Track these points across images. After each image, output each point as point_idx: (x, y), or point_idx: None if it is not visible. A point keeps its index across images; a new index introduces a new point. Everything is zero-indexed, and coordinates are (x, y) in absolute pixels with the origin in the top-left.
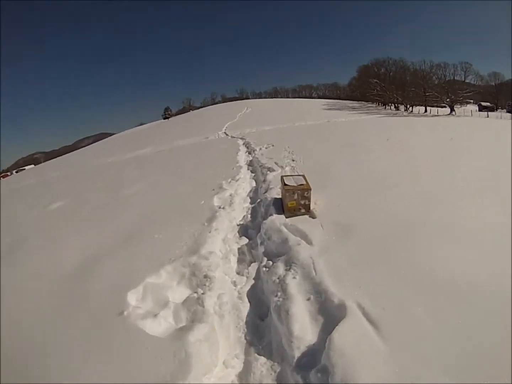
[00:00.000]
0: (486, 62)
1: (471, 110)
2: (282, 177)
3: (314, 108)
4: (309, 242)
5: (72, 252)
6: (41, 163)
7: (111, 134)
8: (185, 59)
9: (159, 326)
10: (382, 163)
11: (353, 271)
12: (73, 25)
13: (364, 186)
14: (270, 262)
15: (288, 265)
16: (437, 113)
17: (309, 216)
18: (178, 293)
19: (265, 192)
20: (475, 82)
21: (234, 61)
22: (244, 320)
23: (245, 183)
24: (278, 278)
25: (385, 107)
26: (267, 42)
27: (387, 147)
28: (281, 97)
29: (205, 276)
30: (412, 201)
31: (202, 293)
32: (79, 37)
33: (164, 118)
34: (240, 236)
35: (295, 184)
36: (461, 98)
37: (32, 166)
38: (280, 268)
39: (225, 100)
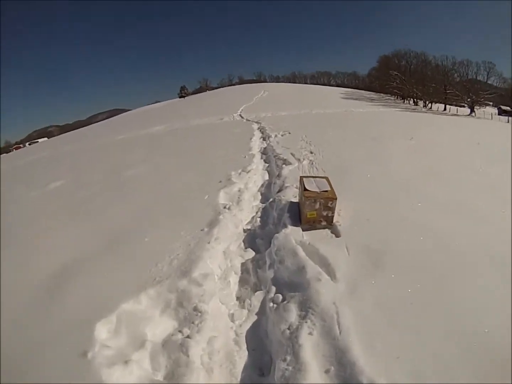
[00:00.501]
0: (509, 64)
1: (492, 113)
2: (301, 178)
3: (332, 96)
4: (332, 275)
5: (49, 257)
6: (54, 136)
7: (126, 111)
8: (204, 39)
9: (130, 375)
10: (409, 165)
11: (389, 330)
12: None
13: (394, 195)
14: (280, 296)
15: (304, 309)
16: (457, 112)
17: (331, 232)
18: (160, 328)
19: (279, 191)
20: (497, 84)
21: (253, 43)
22: (239, 378)
23: (257, 175)
24: (289, 329)
25: (404, 101)
26: (287, 24)
27: (411, 147)
28: (299, 83)
29: (195, 309)
30: (454, 218)
31: (188, 337)
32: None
33: (180, 97)
34: (246, 248)
35: (318, 190)
36: (482, 99)
37: (46, 139)
38: (293, 311)
39: (242, 82)
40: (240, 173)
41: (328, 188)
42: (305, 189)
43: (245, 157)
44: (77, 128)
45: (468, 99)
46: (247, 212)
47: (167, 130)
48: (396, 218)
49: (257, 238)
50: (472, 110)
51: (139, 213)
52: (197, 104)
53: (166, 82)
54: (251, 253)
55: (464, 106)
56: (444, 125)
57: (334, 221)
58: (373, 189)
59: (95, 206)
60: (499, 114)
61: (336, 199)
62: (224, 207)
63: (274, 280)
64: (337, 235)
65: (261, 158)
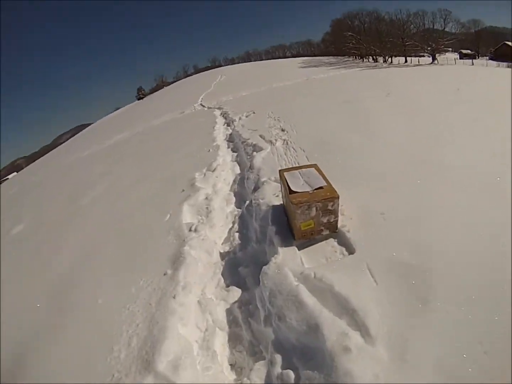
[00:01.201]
0: (465, 9)
1: (455, 58)
2: (281, 173)
3: (291, 67)
4: (364, 331)
5: None
6: (23, 168)
7: (89, 125)
8: (152, 35)
9: None
10: (400, 128)
11: None
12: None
13: (400, 171)
14: (291, 374)
15: None
16: (419, 62)
17: (339, 243)
18: None
19: (256, 189)
20: (455, 30)
21: (203, 30)
22: None
23: (225, 170)
24: None
25: (363, 59)
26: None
27: (392, 104)
28: (255, 60)
29: None
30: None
31: None
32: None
33: (139, 99)
34: (227, 285)
35: (309, 189)
36: (442, 46)
37: (15, 173)
38: None
39: (197, 71)
40: (205, 174)
41: (323, 183)
42: (291, 191)
43: (209, 151)
44: (44, 154)
45: (428, 48)
46: (220, 226)
47: (129, 136)
48: (419, 205)
49: (240, 266)
50: (434, 58)
51: (86, 259)
52: (156, 102)
53: (123, 86)
54: (236, 292)
55: (424, 56)
56: (413, 76)
57: (339, 226)
58: (371, 167)
59: (40, 258)
60: (460, 58)
61: (338, 197)
62: (190, 229)
63: (277, 343)
64: (350, 249)
65: (228, 147)
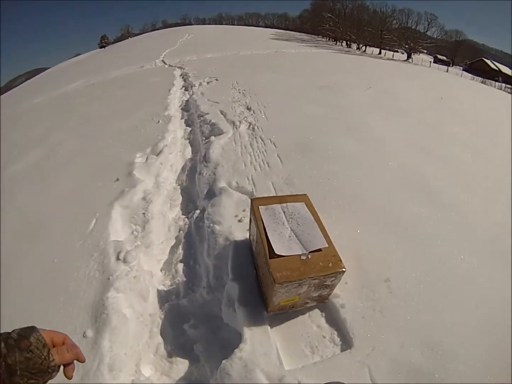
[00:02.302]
0: (452, 18)
1: (430, 61)
2: (255, 206)
3: (261, 37)
4: None
5: None
6: None
7: (46, 69)
8: None
9: None
10: (393, 137)
11: None
12: None
13: (406, 204)
14: None
15: None
16: (392, 56)
17: (328, 322)
18: None
19: (209, 197)
20: (437, 36)
21: None
22: None
23: (174, 152)
24: None
25: (336, 43)
26: None
27: (375, 102)
28: (226, 24)
29: None
30: None
31: None
32: None
33: (101, 47)
34: (170, 353)
35: (301, 252)
36: (420, 47)
37: None
38: None
39: (166, 26)
40: (147, 157)
41: (322, 241)
42: (273, 254)
43: (158, 122)
44: None
45: (406, 46)
46: (160, 243)
47: (83, 87)
48: (437, 268)
49: (186, 323)
50: (409, 56)
51: None
52: (118, 53)
53: (86, 33)
54: (181, 365)
55: (398, 51)
56: (391, 70)
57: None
58: (369, 190)
59: None
60: (435, 62)
61: (344, 271)
62: (118, 256)
63: None
64: (344, 337)
65: (182, 117)
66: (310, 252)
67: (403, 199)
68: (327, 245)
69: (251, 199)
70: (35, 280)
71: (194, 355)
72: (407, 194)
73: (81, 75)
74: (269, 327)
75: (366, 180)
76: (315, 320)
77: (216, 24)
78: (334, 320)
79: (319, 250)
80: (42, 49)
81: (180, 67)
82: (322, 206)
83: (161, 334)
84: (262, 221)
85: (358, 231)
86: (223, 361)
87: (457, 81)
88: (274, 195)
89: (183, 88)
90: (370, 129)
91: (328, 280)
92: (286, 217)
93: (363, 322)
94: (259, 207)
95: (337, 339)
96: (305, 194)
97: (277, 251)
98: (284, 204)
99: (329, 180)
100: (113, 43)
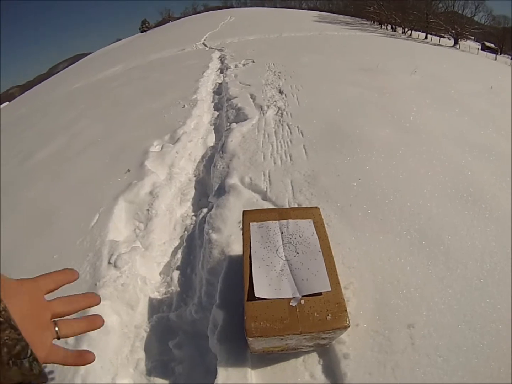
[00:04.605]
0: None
1: (477, 48)
2: (246, 221)
3: (304, 19)
4: None
5: None
6: (16, 98)
7: (88, 54)
8: None
9: None
10: (443, 131)
11: None
12: None
13: (462, 223)
14: None
15: None
16: (439, 42)
17: (324, 372)
18: None
19: (218, 194)
20: (484, 22)
21: None
22: None
23: (194, 140)
24: None
25: (381, 26)
26: None
27: (421, 87)
28: (268, 7)
29: None
30: None
31: None
32: None
33: (142, 32)
34: (150, 371)
35: (291, 295)
36: (467, 33)
37: (7, 103)
38: None
39: (207, 9)
40: (162, 146)
41: (325, 284)
42: (250, 298)
43: (183, 106)
44: (38, 84)
45: (453, 31)
46: (162, 244)
47: (122, 71)
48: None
49: (171, 340)
50: (456, 42)
51: None
52: (159, 36)
53: (127, 17)
54: None
55: (444, 37)
56: (438, 56)
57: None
58: (408, 197)
59: None
60: (482, 49)
61: (348, 327)
62: (110, 260)
63: None
64: None
65: (213, 101)
66: (304, 296)
67: (453, 215)
68: (329, 289)
69: (243, 211)
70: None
71: (174, 377)
72: (457, 209)
73: (121, 60)
74: (250, 370)
75: (405, 184)
76: (309, 367)
77: (258, 6)
78: (332, 372)
79: (319, 294)
80: (84, 35)
81: (219, 50)
82: (346, 214)
83: (144, 349)
84: (250, 245)
85: (388, 256)
86: None
87: (507, 70)
88: (291, 195)
89: (219, 70)
90: (414, 117)
91: (324, 335)
92: (283, 240)
93: (368, 381)
94: (251, 223)
95: None
96: (316, 207)
97: (257, 293)
98: (285, 222)
99: (359, 181)
100: (154, 27)
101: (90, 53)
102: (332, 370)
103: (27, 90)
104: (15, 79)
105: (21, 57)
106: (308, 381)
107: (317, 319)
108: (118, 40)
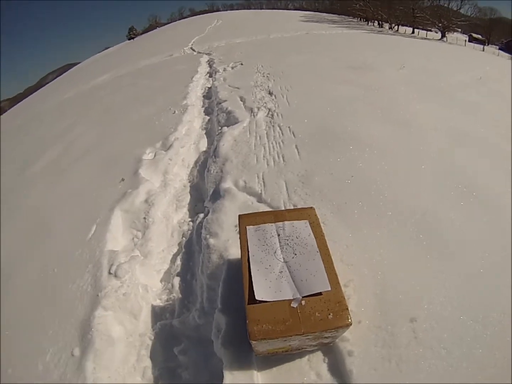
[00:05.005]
0: None
1: (465, 40)
2: (241, 225)
3: (291, 19)
4: None
5: None
6: (5, 111)
7: (76, 64)
8: None
9: None
10: (433, 125)
11: None
12: None
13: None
14: None
15: None
16: (426, 36)
17: (330, 369)
18: None
19: (213, 198)
20: (470, 13)
21: None
22: None
23: (186, 146)
24: None
25: (368, 23)
26: None
27: (409, 82)
28: (255, 9)
29: None
30: None
31: None
32: None
33: (129, 39)
34: (156, 379)
35: (291, 296)
36: (454, 26)
37: None
38: None
39: (194, 13)
40: (155, 153)
41: (325, 283)
42: (251, 301)
43: (174, 112)
44: (28, 96)
45: (440, 24)
46: (161, 251)
47: (111, 79)
48: None
49: (176, 346)
50: (443, 35)
51: None
52: (147, 43)
53: (114, 26)
54: None
55: (431, 31)
56: (425, 50)
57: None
58: (403, 191)
59: None
60: (469, 41)
61: (350, 325)
62: (110, 270)
63: None
64: None
65: (203, 105)
66: (304, 297)
67: (448, 207)
68: (329, 288)
69: (239, 216)
70: (33, 288)
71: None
72: (452, 201)
73: (110, 67)
74: (255, 372)
75: (400, 179)
76: (314, 366)
77: (244, 9)
78: (338, 370)
79: (319, 294)
80: (70, 46)
81: (207, 53)
82: (342, 212)
83: (150, 357)
84: (248, 249)
85: (386, 251)
86: None
87: (495, 60)
88: (286, 196)
89: (208, 74)
90: (403, 111)
91: (327, 334)
92: (280, 242)
93: (373, 376)
94: (247, 227)
95: None
96: (311, 207)
97: (257, 296)
98: (281, 224)
99: (353, 178)
100: (141, 33)
101: (78, 63)
102: (337, 368)
103: (18, 102)
104: (4, 92)
105: (8, 70)
106: (314, 381)
107: (318, 319)
108: (106, 48)
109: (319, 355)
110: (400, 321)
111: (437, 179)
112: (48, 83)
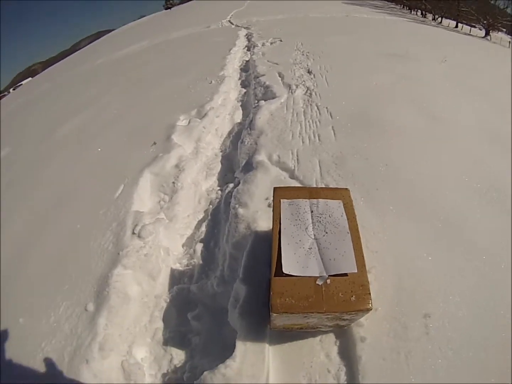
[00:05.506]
0: None
1: (509, 41)
2: (276, 198)
3: (333, 1)
4: None
5: None
6: (38, 73)
7: (110, 31)
8: None
9: None
10: (474, 126)
11: None
12: None
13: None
14: None
15: None
16: (469, 31)
17: (339, 353)
18: None
19: (245, 169)
20: None
21: None
22: None
23: (221, 115)
24: None
25: (411, 11)
26: None
27: (450, 77)
28: None
29: None
30: None
31: None
32: None
33: (166, 9)
34: (166, 341)
35: (318, 274)
36: (499, 24)
37: (30, 79)
38: None
39: None
40: (190, 120)
41: (352, 265)
42: (278, 274)
43: (211, 82)
44: (60, 60)
45: (484, 22)
46: (186, 216)
47: (146, 48)
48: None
49: (190, 311)
50: (487, 33)
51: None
52: (183, 14)
53: None
54: (175, 354)
55: (475, 27)
56: (469, 46)
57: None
58: (436, 186)
59: None
60: None
61: (370, 309)
62: (134, 231)
63: None
64: (351, 379)
65: (240, 78)
66: (330, 276)
67: (476, 206)
68: (356, 270)
69: (274, 188)
70: (56, 245)
71: (191, 349)
72: (480, 201)
73: (145, 36)
74: (267, 346)
75: (431, 173)
76: (325, 346)
77: None
78: (348, 354)
79: (345, 274)
80: (107, 13)
81: (246, 28)
82: (372, 198)
83: (162, 319)
84: (280, 221)
85: (410, 243)
86: (205, 373)
87: None
88: (318, 175)
89: (246, 48)
90: (440, 106)
91: (346, 316)
92: (312, 219)
93: (381, 366)
94: (282, 200)
95: (343, 378)
96: (346, 189)
97: (285, 269)
98: (315, 201)
99: (387, 166)
100: (178, 3)
101: (113, 30)
102: (347, 352)
103: (50, 66)
104: (37, 55)
105: (43, 34)
106: (323, 361)
107: (341, 300)
108: (142, 17)
109: (331, 337)
110: (414, 315)
111: (468, 178)
112: (81, 48)
